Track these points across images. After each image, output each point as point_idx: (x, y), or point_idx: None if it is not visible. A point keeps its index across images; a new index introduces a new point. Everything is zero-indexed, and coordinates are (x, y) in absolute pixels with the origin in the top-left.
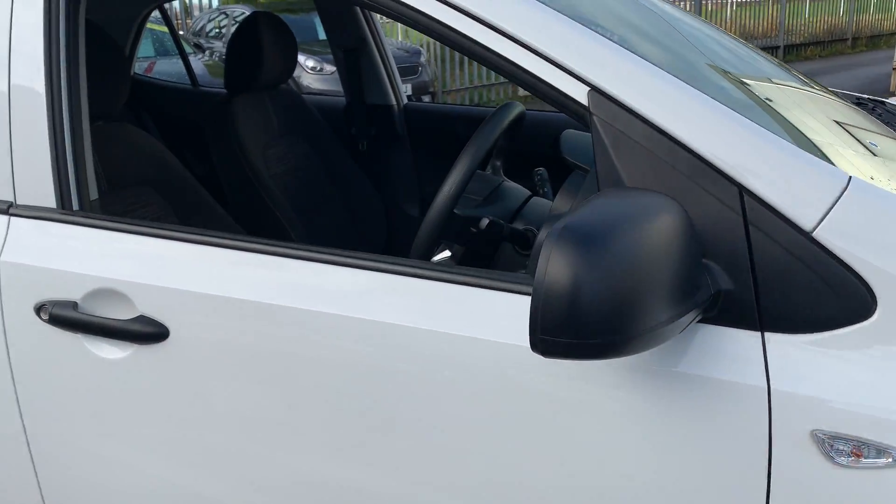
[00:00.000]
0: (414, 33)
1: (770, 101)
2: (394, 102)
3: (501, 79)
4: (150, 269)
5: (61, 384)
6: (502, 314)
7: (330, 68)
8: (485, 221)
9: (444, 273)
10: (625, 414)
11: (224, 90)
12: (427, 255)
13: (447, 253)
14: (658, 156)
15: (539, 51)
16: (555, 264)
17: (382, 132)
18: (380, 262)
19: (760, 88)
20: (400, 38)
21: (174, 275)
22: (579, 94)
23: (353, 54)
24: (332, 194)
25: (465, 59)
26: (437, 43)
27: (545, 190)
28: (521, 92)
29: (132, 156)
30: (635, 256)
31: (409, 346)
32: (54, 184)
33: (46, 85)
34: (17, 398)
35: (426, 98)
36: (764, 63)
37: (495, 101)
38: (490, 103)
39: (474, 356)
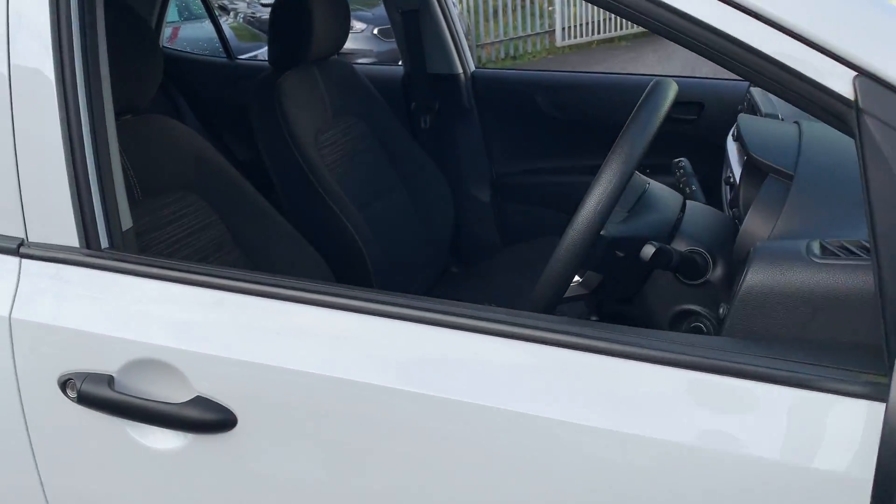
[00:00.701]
0: None
1: None
2: (460, 71)
3: (538, 29)
4: (207, 333)
5: (96, 475)
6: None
7: (360, 25)
8: (650, 249)
9: (634, 347)
10: None
11: (264, 62)
12: (560, 294)
13: (576, 278)
14: None
15: (767, 16)
16: None
17: (447, 106)
18: (523, 325)
19: None
20: None
21: (241, 340)
22: (839, 82)
23: (412, 16)
24: (393, 180)
25: (500, 9)
26: None
27: (692, 188)
28: (560, 41)
29: (169, 155)
30: None
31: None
32: (75, 214)
33: (57, 73)
34: (43, 490)
35: None
36: None
37: (532, 53)
38: (527, 55)
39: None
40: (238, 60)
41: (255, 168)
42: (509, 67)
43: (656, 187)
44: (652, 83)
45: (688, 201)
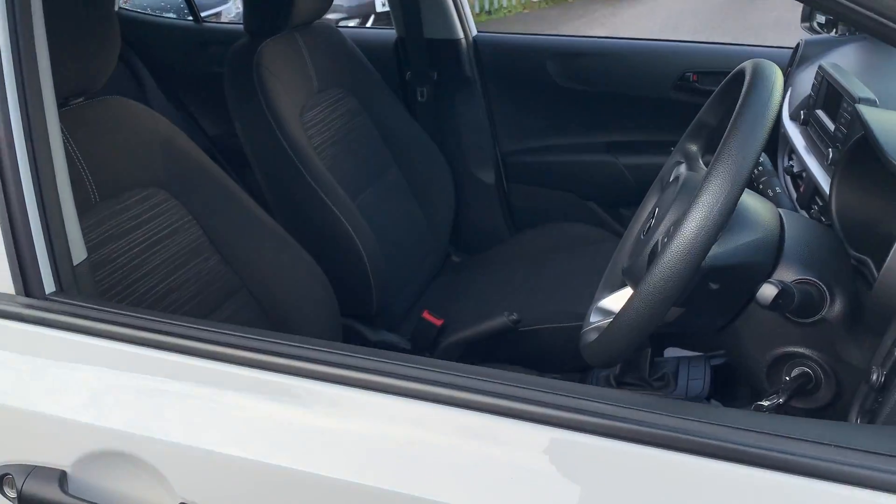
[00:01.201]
0: None
1: None
2: (461, 35)
3: None
4: (193, 418)
5: None
6: None
7: None
8: (770, 291)
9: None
10: None
11: (236, 24)
12: (638, 342)
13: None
14: None
15: None
16: None
17: (447, 75)
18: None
19: None
20: None
21: (239, 429)
22: None
23: None
24: (387, 162)
25: None
26: None
27: (776, 191)
28: None
29: (131, 145)
30: None
31: None
32: (7, 248)
33: None
34: None
35: None
36: None
37: (507, 9)
38: (502, 10)
39: None
40: (207, 24)
41: (227, 144)
42: (515, 32)
43: (747, 196)
44: (751, 69)
45: (782, 212)
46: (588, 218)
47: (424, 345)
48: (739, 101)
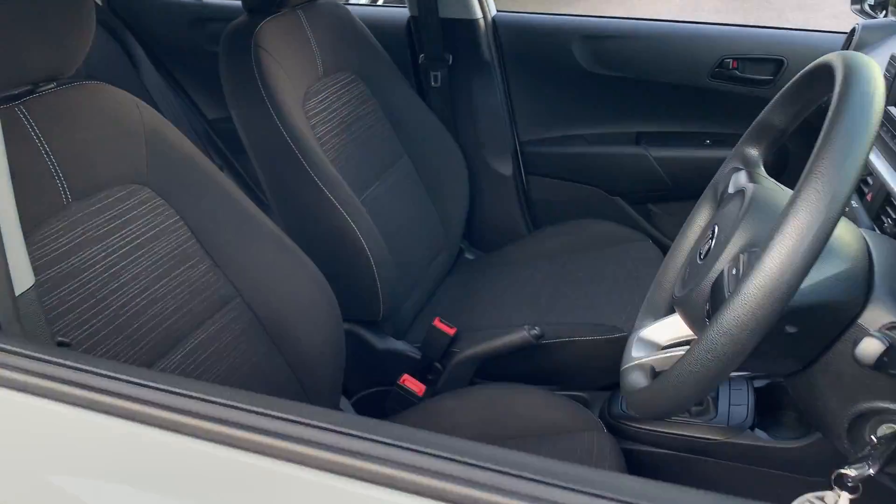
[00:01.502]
0: None
1: None
2: (479, 15)
3: None
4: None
5: None
6: None
7: None
8: (876, 347)
9: None
10: None
11: (238, 1)
12: (703, 395)
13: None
14: None
15: None
16: None
17: (463, 59)
18: None
19: None
20: None
21: None
22: None
23: None
24: (397, 152)
25: None
26: None
27: (850, 204)
28: None
29: (109, 136)
30: None
31: None
32: None
33: None
34: None
35: None
36: None
37: None
38: None
39: None
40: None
41: (227, 128)
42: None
43: None
44: (842, 65)
45: (866, 234)
46: (614, 215)
47: (435, 355)
48: (833, 105)
